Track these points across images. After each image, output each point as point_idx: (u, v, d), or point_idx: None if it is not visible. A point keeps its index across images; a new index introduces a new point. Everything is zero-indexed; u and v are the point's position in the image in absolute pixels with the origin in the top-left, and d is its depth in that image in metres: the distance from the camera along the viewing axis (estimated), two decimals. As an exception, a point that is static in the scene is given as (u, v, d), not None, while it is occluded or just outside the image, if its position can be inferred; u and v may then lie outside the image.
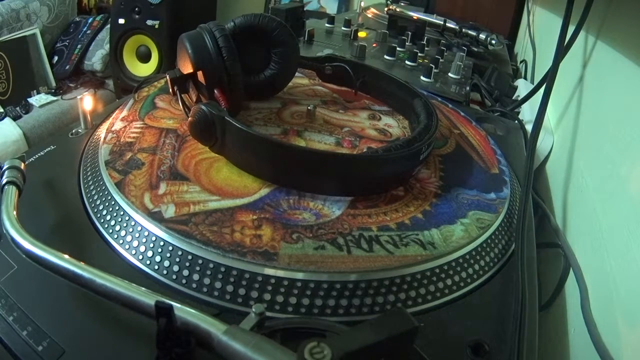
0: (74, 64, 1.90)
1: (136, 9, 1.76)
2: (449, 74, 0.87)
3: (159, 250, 0.36)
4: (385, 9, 1.35)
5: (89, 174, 0.45)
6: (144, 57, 1.85)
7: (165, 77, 0.54)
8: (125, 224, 0.38)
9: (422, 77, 0.83)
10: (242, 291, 0.34)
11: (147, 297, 0.28)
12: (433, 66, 0.85)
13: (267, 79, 0.57)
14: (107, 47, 1.91)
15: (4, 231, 0.34)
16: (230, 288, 0.34)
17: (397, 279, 0.36)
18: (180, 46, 0.51)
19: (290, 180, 0.43)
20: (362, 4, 1.49)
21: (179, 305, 0.27)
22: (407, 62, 0.91)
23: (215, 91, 0.49)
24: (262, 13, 0.55)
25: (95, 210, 0.41)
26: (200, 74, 0.49)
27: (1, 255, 0.36)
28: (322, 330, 0.30)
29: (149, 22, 1.76)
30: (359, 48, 0.91)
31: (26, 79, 1.74)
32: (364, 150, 0.50)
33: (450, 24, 1.19)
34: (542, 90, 0.62)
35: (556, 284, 0.49)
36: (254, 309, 0.28)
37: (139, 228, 0.38)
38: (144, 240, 0.37)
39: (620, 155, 0.45)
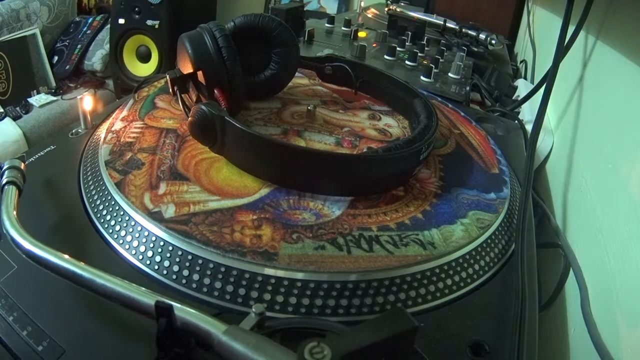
0: (74, 64, 1.90)
1: (136, 9, 1.76)
2: (449, 74, 0.87)
3: (159, 250, 0.36)
4: (385, 9, 1.35)
5: (89, 174, 0.45)
6: (144, 57, 1.85)
7: (165, 77, 0.54)
8: (125, 224, 0.38)
9: (422, 77, 0.83)
10: (242, 291, 0.34)
11: (147, 297, 0.28)
12: (433, 66, 0.85)
13: (267, 79, 0.57)
14: (107, 47, 1.91)
15: (4, 231, 0.34)
16: (230, 288, 0.34)
17: (397, 279, 0.36)
18: (180, 46, 0.51)
19: (290, 180, 0.43)
20: (362, 4, 1.49)
21: (179, 305, 0.27)
22: (407, 62, 0.91)
23: (215, 91, 0.49)
24: (262, 13, 0.55)
25: (95, 210, 0.41)
26: (200, 74, 0.49)
27: (1, 255, 0.36)
28: (322, 330, 0.30)
29: (149, 22, 1.76)
30: (359, 48, 0.91)
31: (26, 79, 1.74)
32: (364, 150, 0.50)
33: (450, 24, 1.19)
34: (542, 90, 0.62)
35: (556, 284, 0.49)
36: (254, 309, 0.28)
37: (139, 228, 0.38)
38: (144, 240, 0.37)
39: (620, 155, 0.45)
